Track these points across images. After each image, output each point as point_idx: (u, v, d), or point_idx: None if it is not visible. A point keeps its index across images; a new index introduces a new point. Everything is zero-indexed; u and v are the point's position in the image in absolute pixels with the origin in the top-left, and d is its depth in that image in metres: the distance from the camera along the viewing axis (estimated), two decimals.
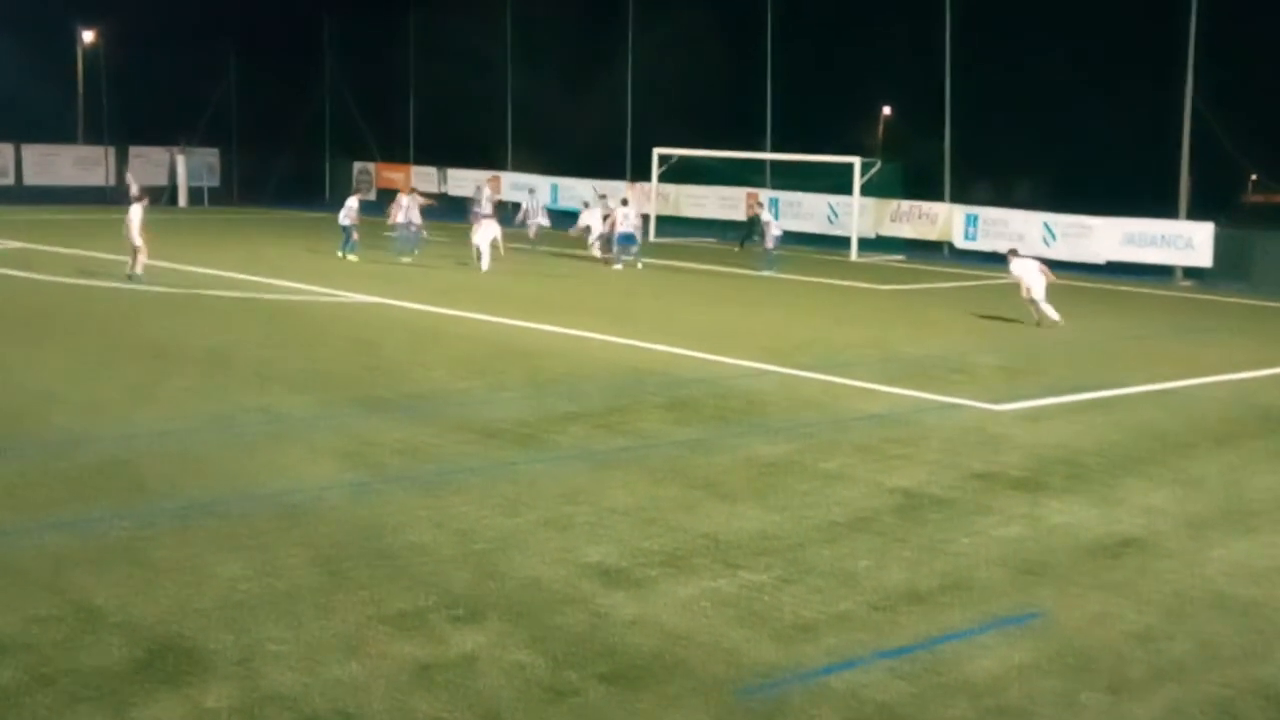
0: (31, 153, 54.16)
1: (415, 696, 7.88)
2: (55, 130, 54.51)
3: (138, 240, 27.16)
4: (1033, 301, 24.53)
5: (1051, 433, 15.85)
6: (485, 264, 31.43)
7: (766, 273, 33.98)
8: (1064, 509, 12.45)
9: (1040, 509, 12.44)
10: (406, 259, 33.66)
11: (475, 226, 32.86)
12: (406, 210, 35.11)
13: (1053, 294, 24.60)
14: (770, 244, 35.14)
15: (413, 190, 38.85)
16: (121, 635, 8.63)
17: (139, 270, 27.29)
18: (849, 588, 10.07)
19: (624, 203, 35.86)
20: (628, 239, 34.46)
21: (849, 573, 10.42)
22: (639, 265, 34.19)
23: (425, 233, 35.94)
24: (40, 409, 15.51)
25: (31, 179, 53.61)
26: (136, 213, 27.40)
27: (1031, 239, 37.30)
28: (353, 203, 34.66)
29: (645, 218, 39.49)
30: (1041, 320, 24.41)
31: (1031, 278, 24.62)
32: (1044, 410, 17.25)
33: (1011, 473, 13.76)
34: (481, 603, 9.47)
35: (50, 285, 26.95)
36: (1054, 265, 26.54)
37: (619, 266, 34.07)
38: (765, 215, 36.87)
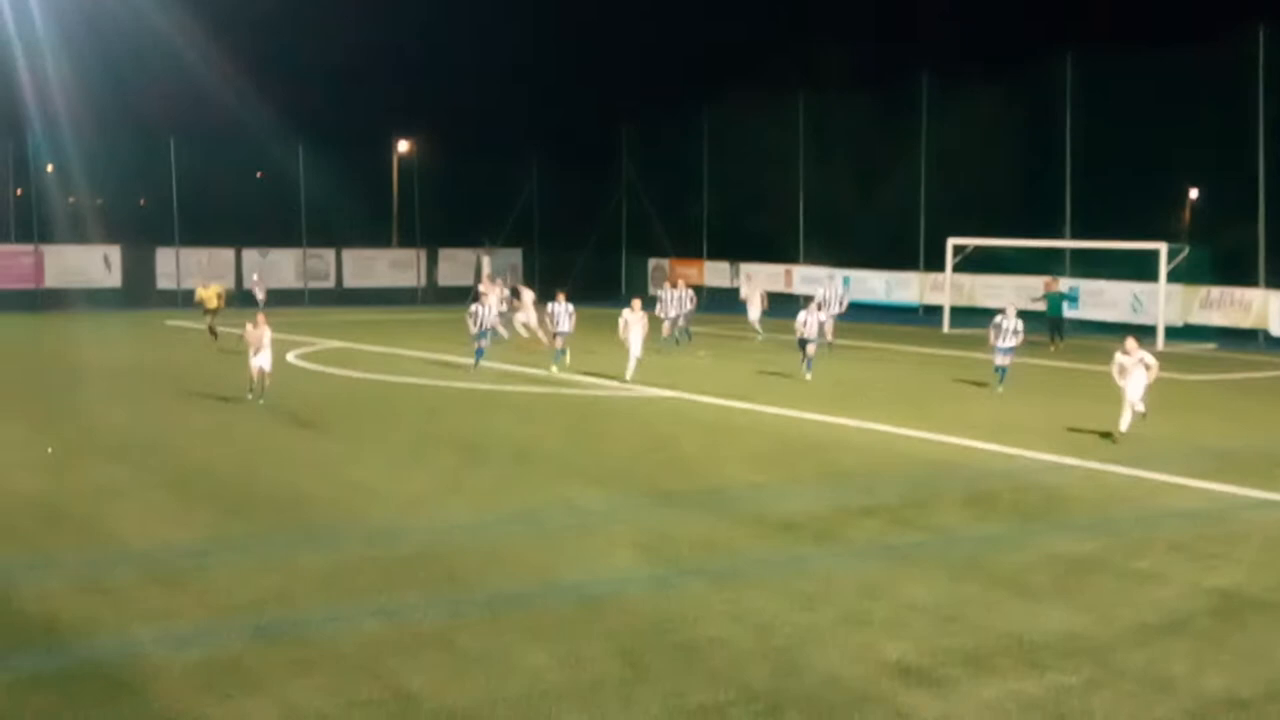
0: (350, 256, 57.55)
1: None
2: (371, 234, 57.89)
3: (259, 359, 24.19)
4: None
5: None
6: (630, 369, 27.83)
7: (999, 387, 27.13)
8: None
9: None
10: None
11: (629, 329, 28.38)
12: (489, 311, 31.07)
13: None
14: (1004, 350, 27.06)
15: (508, 287, 37.94)
16: None
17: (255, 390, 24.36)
18: (1164, 693, 9.60)
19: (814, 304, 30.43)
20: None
21: (1164, 678, 9.93)
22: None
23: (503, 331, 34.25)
24: (359, 500, 16.33)
25: (350, 281, 56.93)
26: (252, 333, 24.29)
27: None
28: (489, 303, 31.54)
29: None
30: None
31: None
32: None
33: None
34: (781, 698, 9.44)
35: (367, 382, 28.40)
36: None
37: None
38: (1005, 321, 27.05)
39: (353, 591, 12.21)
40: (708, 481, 17.65)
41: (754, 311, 38.96)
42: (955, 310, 44.08)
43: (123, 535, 14.37)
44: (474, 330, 30.13)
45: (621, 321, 28.55)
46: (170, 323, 44.82)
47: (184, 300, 50.78)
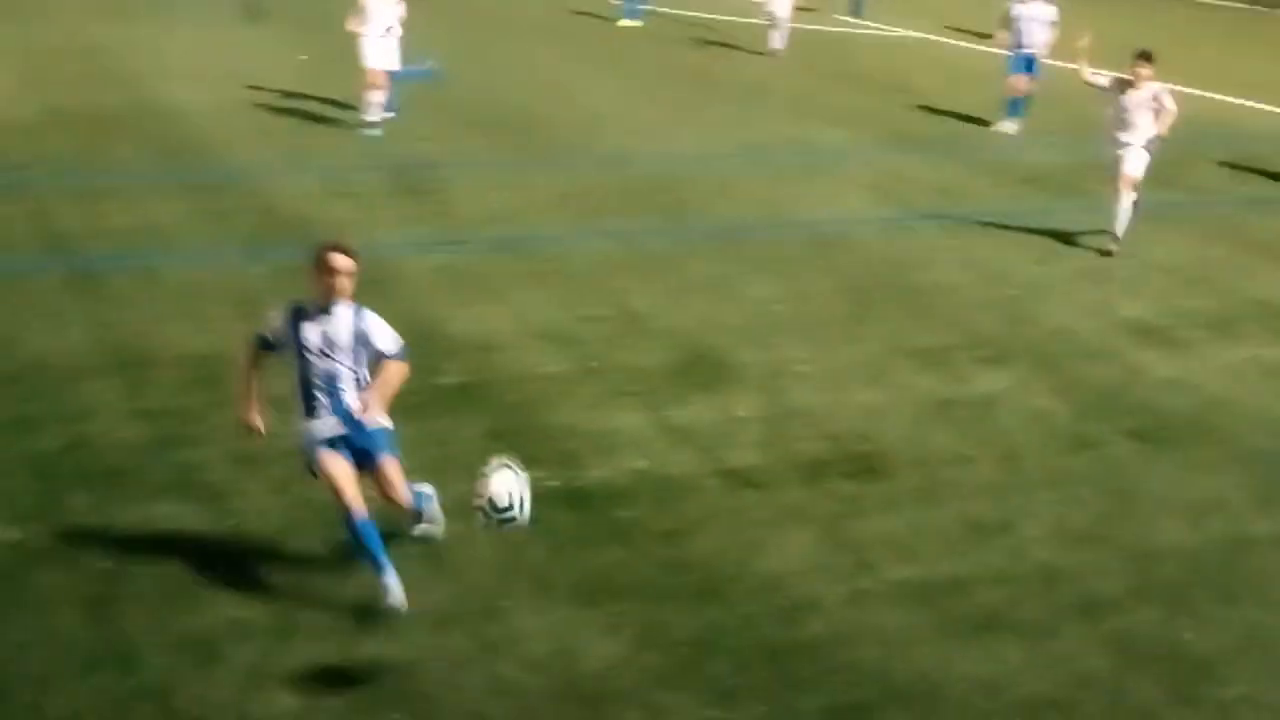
0: None
1: (933, 429, 7.92)
2: None
3: None
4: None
5: None
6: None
7: None
8: None
9: None
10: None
11: None
12: None
13: None
14: None
15: None
16: (659, 340, 9.13)
17: None
18: None
19: None
20: None
21: None
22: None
23: None
24: (594, 127, 16.34)
25: None
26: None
27: None
28: None
29: None
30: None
31: None
32: None
33: None
34: (1007, 346, 9.32)
35: (604, 8, 27.93)
36: None
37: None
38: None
39: (584, 212, 12.36)
40: (949, 127, 17.12)
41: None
42: None
43: (371, 142, 14.71)
44: None
45: None
46: None
47: None
